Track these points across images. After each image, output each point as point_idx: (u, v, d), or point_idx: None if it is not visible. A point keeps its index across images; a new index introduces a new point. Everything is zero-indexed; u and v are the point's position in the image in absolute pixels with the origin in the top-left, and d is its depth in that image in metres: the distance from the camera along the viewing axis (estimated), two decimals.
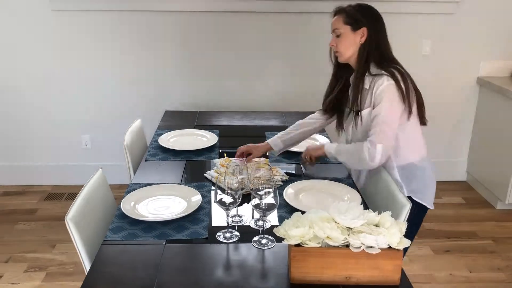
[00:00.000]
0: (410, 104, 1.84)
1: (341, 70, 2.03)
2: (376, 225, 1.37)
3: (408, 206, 1.73)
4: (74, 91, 3.50)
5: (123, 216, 1.70)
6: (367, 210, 1.41)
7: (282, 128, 2.72)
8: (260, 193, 1.52)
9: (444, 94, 3.63)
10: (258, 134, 2.65)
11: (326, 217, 1.37)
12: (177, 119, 2.92)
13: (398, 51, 3.51)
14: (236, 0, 3.33)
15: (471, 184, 3.82)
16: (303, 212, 1.44)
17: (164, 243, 1.57)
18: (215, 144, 2.44)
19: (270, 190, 1.52)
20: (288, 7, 3.35)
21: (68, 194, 3.58)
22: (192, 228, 1.65)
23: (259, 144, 2.21)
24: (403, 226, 1.36)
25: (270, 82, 3.55)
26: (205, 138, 2.52)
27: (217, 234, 1.61)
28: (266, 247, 1.54)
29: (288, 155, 2.32)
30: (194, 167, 2.21)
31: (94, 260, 1.48)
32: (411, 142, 1.94)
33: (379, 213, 1.40)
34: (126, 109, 3.54)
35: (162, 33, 3.39)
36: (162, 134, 2.55)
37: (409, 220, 1.71)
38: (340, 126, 2.14)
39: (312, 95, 3.59)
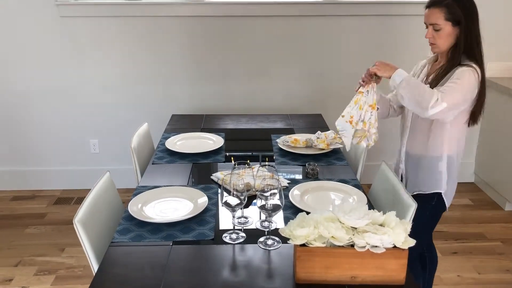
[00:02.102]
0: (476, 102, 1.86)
1: None
2: (381, 225, 1.38)
3: (414, 206, 1.73)
4: (82, 96, 3.54)
5: (130, 218, 1.72)
6: (371, 210, 1.41)
7: (288, 130, 2.74)
8: (266, 194, 1.53)
9: None
10: (264, 137, 2.66)
11: (331, 217, 1.38)
12: (183, 123, 2.94)
13: (406, 52, 3.54)
14: (241, 4, 3.35)
15: (479, 186, 3.80)
16: (308, 213, 1.45)
17: (171, 244, 1.58)
18: (221, 147, 2.45)
19: (276, 191, 1.53)
20: (294, 10, 3.37)
21: (77, 198, 3.61)
22: (199, 229, 1.66)
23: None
24: (408, 226, 1.36)
25: (275, 85, 3.57)
26: (211, 141, 2.53)
27: (223, 235, 1.63)
28: (271, 248, 1.55)
29: (294, 157, 2.33)
30: (200, 169, 2.23)
31: (101, 262, 1.50)
32: (459, 135, 1.96)
33: (385, 213, 1.40)
34: (134, 113, 3.57)
35: (169, 38, 3.42)
36: (169, 137, 2.57)
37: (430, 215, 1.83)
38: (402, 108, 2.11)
39: (318, 98, 3.61)
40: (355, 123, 1.87)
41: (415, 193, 2.02)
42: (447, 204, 2.04)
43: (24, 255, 2.90)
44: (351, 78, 3.56)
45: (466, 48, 1.85)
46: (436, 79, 1.89)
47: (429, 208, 2.02)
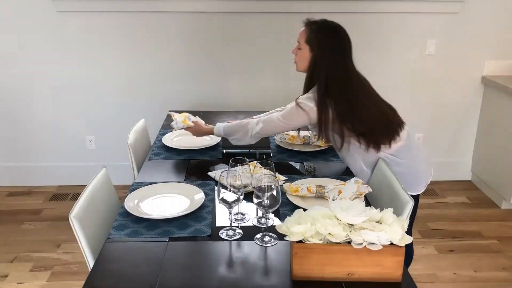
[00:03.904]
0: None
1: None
2: (378, 222, 1.37)
3: (411, 203, 1.73)
4: (79, 91, 3.52)
5: (126, 214, 1.71)
6: (369, 207, 1.41)
7: None
8: (263, 190, 1.53)
9: (449, 93, 3.62)
10: None
11: (328, 213, 1.37)
12: None
13: (403, 50, 3.53)
14: (240, 0, 3.34)
15: (476, 184, 3.80)
16: (305, 210, 1.45)
17: (167, 240, 1.58)
18: (218, 143, 2.44)
19: (273, 187, 1.52)
20: (292, 7, 3.36)
21: (73, 194, 3.60)
22: (195, 225, 1.66)
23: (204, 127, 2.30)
24: (405, 223, 1.36)
25: (273, 82, 3.56)
26: (208, 137, 2.52)
27: (220, 231, 1.62)
28: (268, 245, 1.55)
29: (291, 155, 2.32)
30: (197, 166, 2.22)
31: (97, 257, 1.49)
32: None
33: (382, 210, 1.40)
34: (131, 109, 3.56)
35: (166, 33, 3.40)
36: (165, 133, 2.56)
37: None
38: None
39: None
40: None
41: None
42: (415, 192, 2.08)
43: (19, 251, 2.89)
44: None
45: (315, 78, 1.95)
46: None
47: None
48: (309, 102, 1.95)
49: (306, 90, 2.05)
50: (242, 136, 2.10)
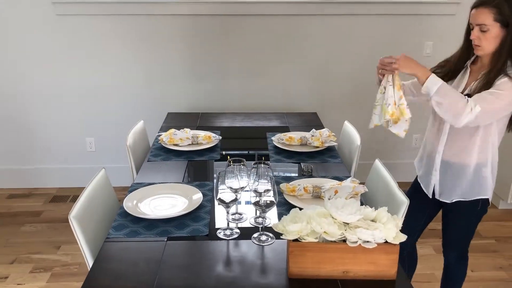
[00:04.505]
0: None
1: (464, 55, 1.90)
2: (373, 221, 1.39)
3: (406, 203, 1.74)
4: (78, 94, 3.54)
5: (125, 214, 1.73)
6: (363, 205, 1.43)
7: (284, 129, 2.76)
8: (260, 191, 1.55)
9: None
10: (259, 135, 2.67)
11: (324, 212, 1.40)
12: (179, 121, 2.95)
13: (400, 52, 3.53)
14: (237, 3, 3.36)
15: None
16: (301, 209, 1.47)
17: (166, 240, 1.59)
18: (216, 144, 2.47)
19: (269, 188, 1.55)
20: (290, 9, 3.38)
21: (73, 196, 3.62)
22: (193, 225, 1.67)
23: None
24: (400, 222, 1.38)
25: (271, 84, 3.58)
26: (205, 142, 2.54)
27: (218, 231, 1.64)
28: (265, 244, 1.57)
29: (288, 155, 2.34)
30: (195, 167, 2.24)
31: (96, 257, 1.51)
32: (499, 140, 1.92)
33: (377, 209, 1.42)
34: (130, 111, 3.58)
35: (164, 36, 3.42)
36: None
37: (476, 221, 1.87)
38: None
39: (314, 97, 3.63)
40: (386, 104, 1.79)
41: (454, 200, 1.96)
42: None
43: (20, 253, 2.90)
44: (347, 77, 3.59)
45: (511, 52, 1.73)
46: (479, 88, 1.77)
47: (474, 214, 1.98)
48: None
49: (488, 84, 1.76)
50: (457, 105, 1.70)
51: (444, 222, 2.06)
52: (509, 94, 1.70)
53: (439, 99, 1.72)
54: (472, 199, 1.93)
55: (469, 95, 1.76)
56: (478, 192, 1.92)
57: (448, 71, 1.93)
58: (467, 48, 1.87)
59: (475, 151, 1.87)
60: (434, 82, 1.73)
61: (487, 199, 1.95)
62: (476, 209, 1.95)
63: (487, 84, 1.75)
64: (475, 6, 1.77)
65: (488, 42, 1.75)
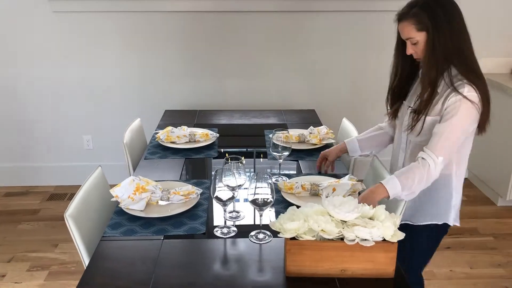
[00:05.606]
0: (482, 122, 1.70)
1: (404, 61, 1.82)
2: (370, 218, 1.38)
3: (403, 201, 1.73)
4: (75, 91, 3.53)
5: (121, 213, 1.72)
6: (361, 203, 1.42)
7: (281, 125, 2.75)
8: (257, 189, 1.54)
9: None
10: (257, 132, 2.66)
11: (321, 210, 1.38)
12: (176, 118, 2.94)
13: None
14: (235, 0, 3.34)
15: (472, 181, 3.82)
16: (298, 207, 1.46)
17: (162, 238, 1.58)
18: (214, 142, 2.45)
19: (267, 186, 1.53)
20: (288, 6, 3.36)
21: (70, 194, 3.60)
22: (190, 223, 1.66)
23: (332, 148, 2.04)
24: (397, 220, 1.37)
25: (269, 81, 3.57)
26: (202, 139, 2.53)
27: (215, 229, 1.63)
28: (263, 242, 1.56)
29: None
30: (193, 165, 2.23)
31: (92, 255, 1.50)
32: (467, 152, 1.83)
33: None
34: (127, 109, 3.56)
35: (162, 33, 3.41)
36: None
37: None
38: (394, 115, 1.88)
39: (312, 94, 3.62)
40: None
41: (425, 223, 1.83)
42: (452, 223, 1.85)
43: (17, 251, 2.89)
44: (345, 74, 3.58)
45: (446, 54, 1.65)
46: (420, 109, 1.69)
47: (432, 237, 1.92)
48: (470, 90, 1.65)
49: (427, 105, 1.69)
50: (422, 177, 1.61)
51: None
52: (461, 118, 1.63)
53: (409, 191, 1.61)
54: (440, 223, 1.86)
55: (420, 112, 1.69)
56: (443, 217, 1.85)
57: (400, 91, 1.85)
58: (412, 62, 1.80)
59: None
60: (394, 187, 1.60)
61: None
62: (436, 232, 1.90)
63: (425, 105, 1.67)
64: (397, 21, 1.74)
65: (423, 52, 1.68)
